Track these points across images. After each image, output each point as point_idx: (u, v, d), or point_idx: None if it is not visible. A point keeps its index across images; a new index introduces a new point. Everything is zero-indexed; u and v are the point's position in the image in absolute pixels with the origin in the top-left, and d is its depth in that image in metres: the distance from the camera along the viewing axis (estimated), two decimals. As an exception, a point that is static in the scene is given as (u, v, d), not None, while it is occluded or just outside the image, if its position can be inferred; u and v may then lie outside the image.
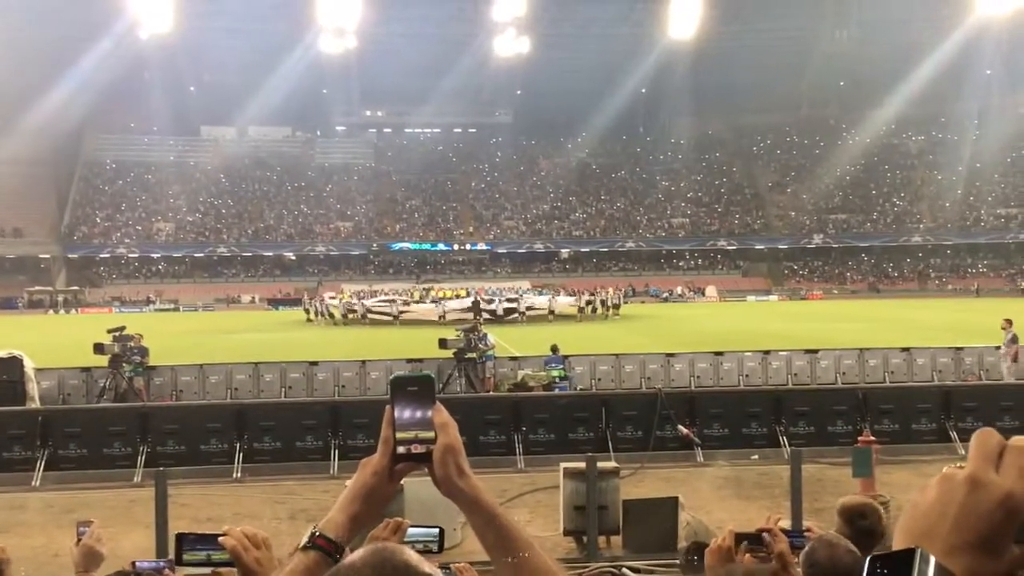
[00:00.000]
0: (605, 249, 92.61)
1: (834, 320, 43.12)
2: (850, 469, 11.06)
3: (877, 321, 42.03)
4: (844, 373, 20.76)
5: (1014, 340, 20.44)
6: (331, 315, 49.54)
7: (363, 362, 20.68)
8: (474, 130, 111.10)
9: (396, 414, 1.38)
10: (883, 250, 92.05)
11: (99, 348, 19.28)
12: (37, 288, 79.90)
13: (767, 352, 21.46)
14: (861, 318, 44.67)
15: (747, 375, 20.66)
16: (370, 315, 47.94)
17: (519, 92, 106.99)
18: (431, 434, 1.37)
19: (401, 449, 1.38)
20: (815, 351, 21.54)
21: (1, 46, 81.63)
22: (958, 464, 0.95)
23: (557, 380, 19.31)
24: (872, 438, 11.10)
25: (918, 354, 21.26)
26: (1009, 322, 20.79)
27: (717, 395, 16.51)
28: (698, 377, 20.37)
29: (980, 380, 20.22)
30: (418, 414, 1.38)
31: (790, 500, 9.10)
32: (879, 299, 74.50)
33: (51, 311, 72.79)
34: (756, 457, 13.39)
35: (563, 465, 9.89)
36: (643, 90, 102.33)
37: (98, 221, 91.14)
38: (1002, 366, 20.66)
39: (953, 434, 13.85)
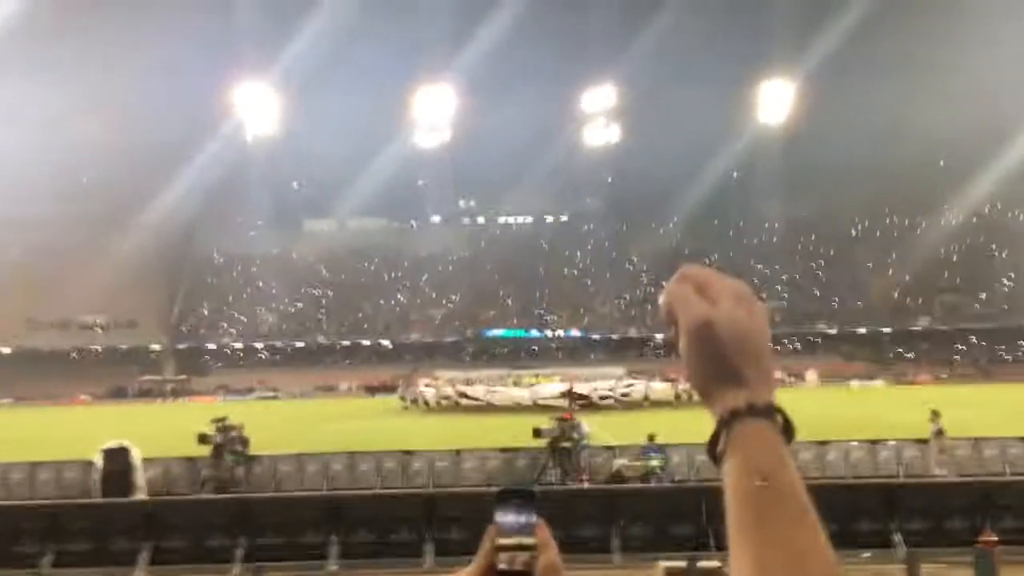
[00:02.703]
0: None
1: (944, 406, 41.19)
2: (971, 570, 10.43)
3: (990, 407, 39.95)
4: (960, 464, 19.71)
5: (939, 433, 19.44)
6: (426, 402, 49.83)
7: (458, 452, 20.62)
8: (565, 218, 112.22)
9: (499, 520, 1.36)
10: (993, 332, 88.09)
11: (203, 438, 19.81)
12: (147, 377, 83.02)
13: (875, 442, 20.55)
14: (973, 404, 42.58)
15: (855, 466, 19.80)
16: (463, 401, 48.03)
17: (609, 179, 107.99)
18: (533, 543, 1.34)
19: (503, 562, 1.34)
20: (926, 440, 20.52)
21: (117, 145, 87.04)
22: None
23: (658, 471, 18.86)
24: (994, 537, 10.44)
25: (1039, 444, 20.06)
26: (936, 413, 19.77)
27: (821, 487, 15.81)
28: (801, 468, 19.57)
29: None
30: (522, 520, 1.35)
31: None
32: (990, 383, 70.91)
33: (160, 400, 75.28)
34: (868, 555, 12.72)
35: (662, 564, 9.58)
36: (735, 173, 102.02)
37: (206, 313, 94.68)
38: (931, 462, 19.48)
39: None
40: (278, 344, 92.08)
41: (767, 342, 1.05)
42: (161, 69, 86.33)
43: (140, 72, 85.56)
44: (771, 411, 1.01)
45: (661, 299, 1.11)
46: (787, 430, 1.02)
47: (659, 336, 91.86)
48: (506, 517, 1.35)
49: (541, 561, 1.33)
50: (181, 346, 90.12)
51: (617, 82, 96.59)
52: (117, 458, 18.41)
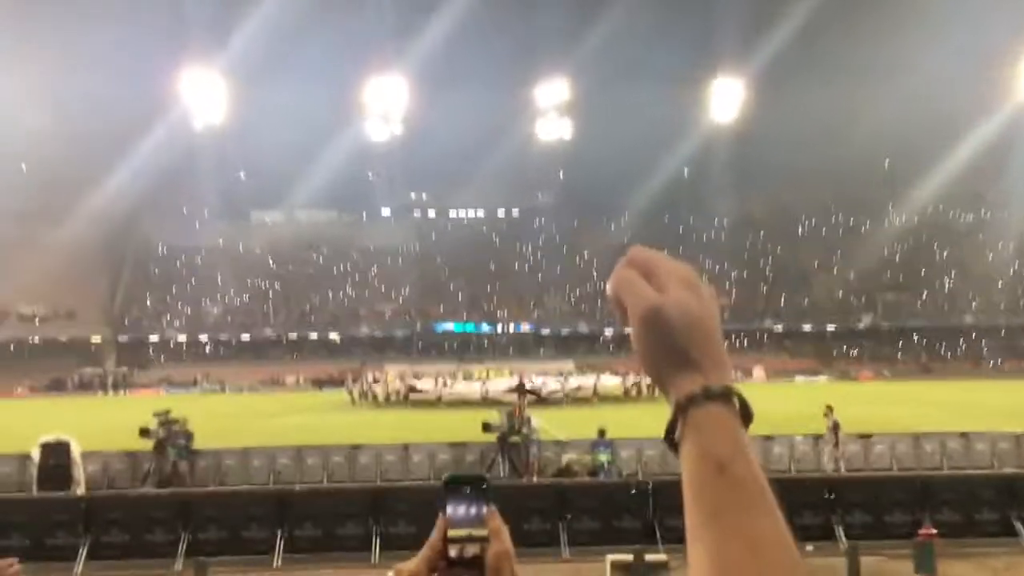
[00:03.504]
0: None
1: (886, 403, 42.07)
2: (910, 563, 10.62)
3: (931, 404, 40.90)
4: (900, 459, 20.12)
5: (835, 427, 19.81)
6: (374, 396, 49.57)
7: (406, 446, 20.51)
8: (517, 212, 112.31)
9: (450, 512, 1.29)
10: (935, 330, 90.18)
11: (145, 432, 19.39)
12: (87, 369, 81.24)
13: (819, 437, 20.87)
14: (914, 400, 43.56)
15: (799, 460, 20.11)
16: (412, 396, 47.85)
17: (562, 174, 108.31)
18: (484, 533, 1.27)
19: (453, 552, 1.27)
20: (868, 436, 20.90)
21: (59, 134, 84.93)
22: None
23: (605, 465, 18.92)
24: (933, 531, 10.64)
25: (977, 439, 20.54)
26: (831, 408, 20.09)
27: (768, 483, 15.96)
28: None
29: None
30: (472, 511, 1.29)
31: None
32: (932, 380, 72.60)
33: (101, 392, 73.79)
34: (810, 549, 12.89)
35: (609, 557, 9.60)
36: (685, 170, 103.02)
37: (149, 304, 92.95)
38: (824, 457, 19.95)
39: (1018, 525, 13.23)
40: (223, 337, 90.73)
41: (718, 326, 1.03)
42: (106, 54, 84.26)
43: (84, 57, 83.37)
44: (728, 395, 0.96)
45: (608, 286, 1.07)
46: (745, 414, 0.97)
47: (609, 331, 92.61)
48: (456, 508, 1.29)
49: (492, 549, 1.27)
50: (123, 338, 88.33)
51: (570, 77, 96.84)
52: (55, 452, 17.97)
